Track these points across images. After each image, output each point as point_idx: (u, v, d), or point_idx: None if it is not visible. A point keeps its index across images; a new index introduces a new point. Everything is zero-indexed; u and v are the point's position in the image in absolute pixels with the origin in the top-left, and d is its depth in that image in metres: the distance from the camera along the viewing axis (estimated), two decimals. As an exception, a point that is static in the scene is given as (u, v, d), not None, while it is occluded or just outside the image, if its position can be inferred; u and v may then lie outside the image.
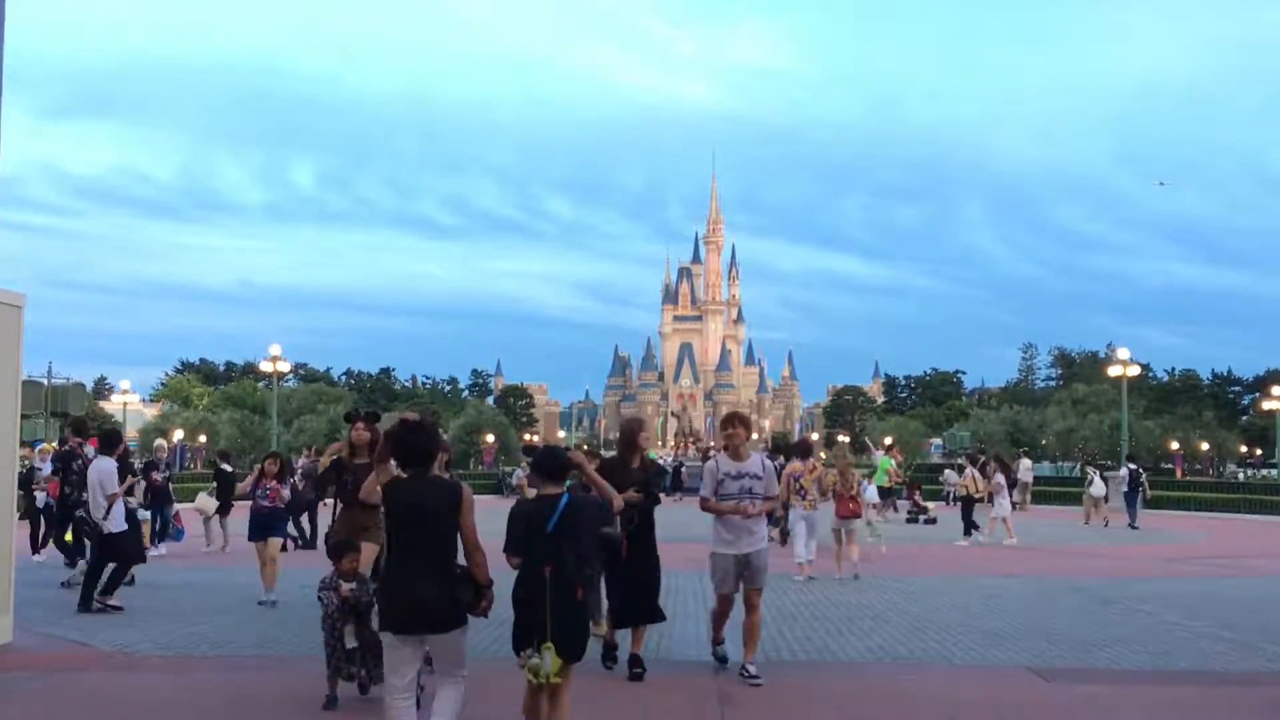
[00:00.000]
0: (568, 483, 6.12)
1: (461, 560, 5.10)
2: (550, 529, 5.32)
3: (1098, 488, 26.90)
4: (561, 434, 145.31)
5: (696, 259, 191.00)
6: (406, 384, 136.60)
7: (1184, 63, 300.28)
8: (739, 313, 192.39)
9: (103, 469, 11.53)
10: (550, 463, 5.77)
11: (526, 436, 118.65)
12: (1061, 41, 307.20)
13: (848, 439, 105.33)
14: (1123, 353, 32.97)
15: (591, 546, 5.55)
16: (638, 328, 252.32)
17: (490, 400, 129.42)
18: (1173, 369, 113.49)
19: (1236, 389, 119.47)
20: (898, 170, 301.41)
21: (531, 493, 6.06)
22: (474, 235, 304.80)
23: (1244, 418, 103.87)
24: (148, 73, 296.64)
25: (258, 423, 67.69)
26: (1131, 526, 24.95)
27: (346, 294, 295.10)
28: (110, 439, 12.32)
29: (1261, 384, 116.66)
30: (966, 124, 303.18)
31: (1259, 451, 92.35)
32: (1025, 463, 35.09)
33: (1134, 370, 33.49)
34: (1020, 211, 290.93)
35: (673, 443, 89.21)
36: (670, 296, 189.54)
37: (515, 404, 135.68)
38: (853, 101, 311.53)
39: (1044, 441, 67.15)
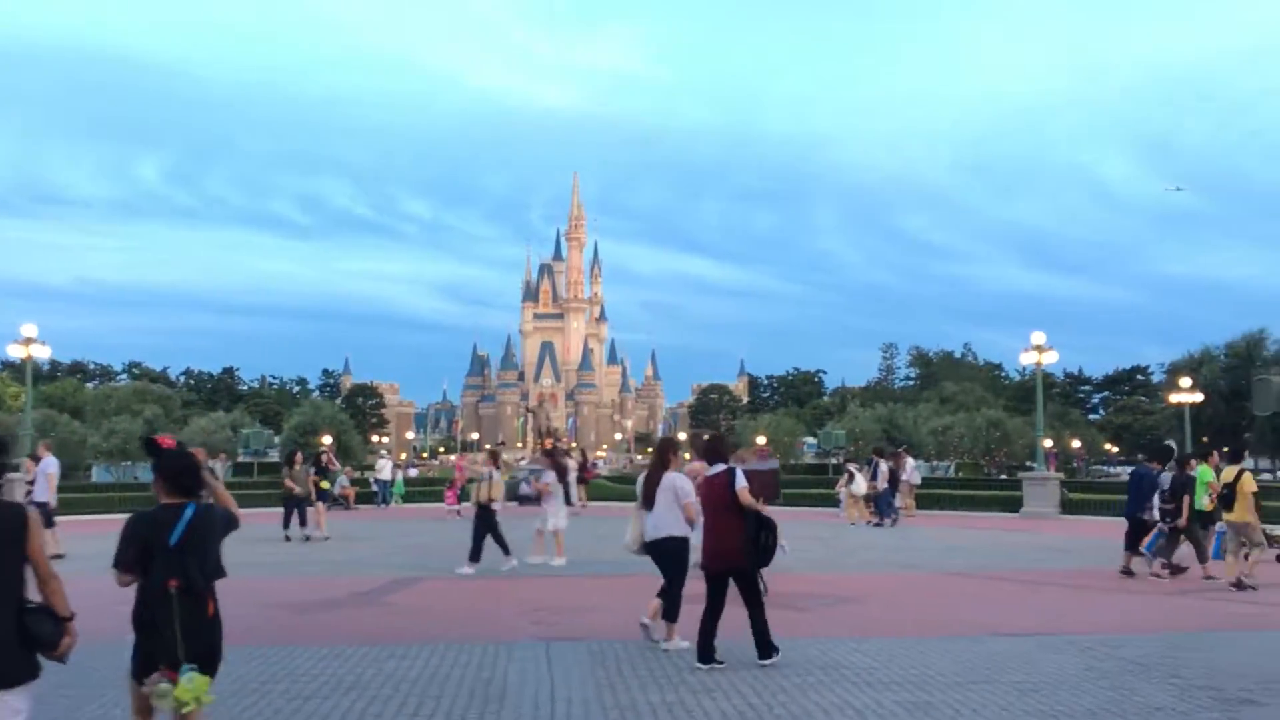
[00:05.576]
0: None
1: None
2: (174, 541, 4.63)
3: (858, 485, 26.97)
4: (410, 435, 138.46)
5: (558, 256, 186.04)
6: (253, 384, 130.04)
7: (1022, 82, 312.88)
8: (601, 311, 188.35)
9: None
10: (180, 472, 4.84)
11: (376, 437, 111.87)
12: (912, 56, 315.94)
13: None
14: (1037, 336, 29.10)
15: (218, 557, 4.84)
16: (498, 329, 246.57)
17: (339, 401, 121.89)
18: (1023, 369, 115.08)
19: (1087, 388, 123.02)
20: (754, 176, 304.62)
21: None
22: (330, 235, 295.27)
23: (1090, 416, 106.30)
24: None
25: (64, 423, 60.47)
26: (882, 524, 25.44)
27: (196, 293, 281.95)
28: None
29: (1111, 383, 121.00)
30: (820, 132, 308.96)
31: (1114, 449, 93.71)
32: (910, 461, 31.45)
33: (1051, 357, 29.67)
34: (870, 218, 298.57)
35: (530, 441, 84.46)
36: (531, 293, 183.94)
37: (365, 404, 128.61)
38: (710, 107, 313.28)
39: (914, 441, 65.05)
